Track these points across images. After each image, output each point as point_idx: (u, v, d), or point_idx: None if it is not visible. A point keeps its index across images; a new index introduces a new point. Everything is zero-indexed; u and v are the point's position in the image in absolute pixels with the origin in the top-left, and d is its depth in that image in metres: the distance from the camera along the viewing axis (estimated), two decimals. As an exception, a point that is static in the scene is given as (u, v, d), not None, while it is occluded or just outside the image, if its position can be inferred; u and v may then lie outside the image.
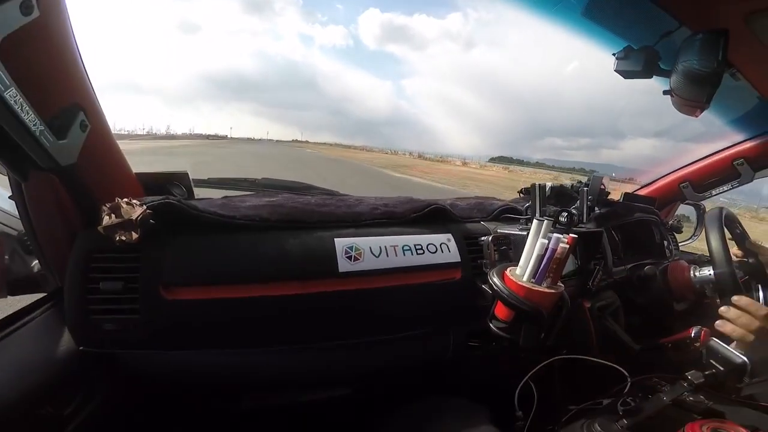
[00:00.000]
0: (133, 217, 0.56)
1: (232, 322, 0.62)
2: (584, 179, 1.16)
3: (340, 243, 0.69)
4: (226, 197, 0.83)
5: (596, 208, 1.10)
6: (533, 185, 0.81)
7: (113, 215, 0.56)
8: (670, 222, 1.33)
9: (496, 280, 0.64)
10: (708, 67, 0.67)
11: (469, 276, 0.76)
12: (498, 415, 0.74)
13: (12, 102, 0.40)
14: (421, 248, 0.74)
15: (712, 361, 0.59)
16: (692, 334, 0.76)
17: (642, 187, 1.49)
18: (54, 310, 0.62)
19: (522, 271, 0.63)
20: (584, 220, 0.94)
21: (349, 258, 0.68)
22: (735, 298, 0.69)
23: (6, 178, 0.57)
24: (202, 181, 0.96)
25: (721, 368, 0.57)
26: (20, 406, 0.50)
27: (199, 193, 0.86)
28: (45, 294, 0.65)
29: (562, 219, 0.88)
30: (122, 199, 0.58)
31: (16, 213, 0.61)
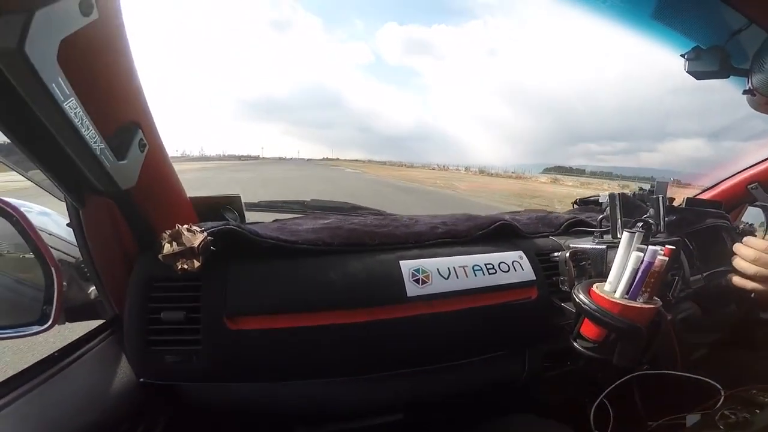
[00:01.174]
0: (195, 245, 0.54)
1: (298, 352, 0.59)
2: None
3: (406, 266, 0.66)
4: (276, 220, 0.82)
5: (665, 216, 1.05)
6: (611, 195, 0.78)
7: (174, 243, 0.54)
8: (741, 226, 1.25)
9: (583, 297, 0.60)
10: None
11: (546, 294, 0.72)
12: None
13: (72, 114, 0.36)
14: (493, 268, 0.70)
15: None
16: None
17: (704, 191, 1.41)
18: (112, 339, 0.61)
19: (612, 287, 0.59)
20: (662, 230, 0.90)
21: (417, 281, 0.65)
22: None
23: (63, 204, 0.55)
24: (253, 204, 0.95)
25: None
26: None
27: (250, 216, 0.86)
28: (103, 321, 0.64)
29: (640, 228, 0.85)
30: (182, 226, 0.56)
31: (74, 240, 0.59)
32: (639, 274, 0.56)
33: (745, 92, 0.74)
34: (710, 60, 0.73)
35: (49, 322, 0.53)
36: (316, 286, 0.61)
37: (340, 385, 0.67)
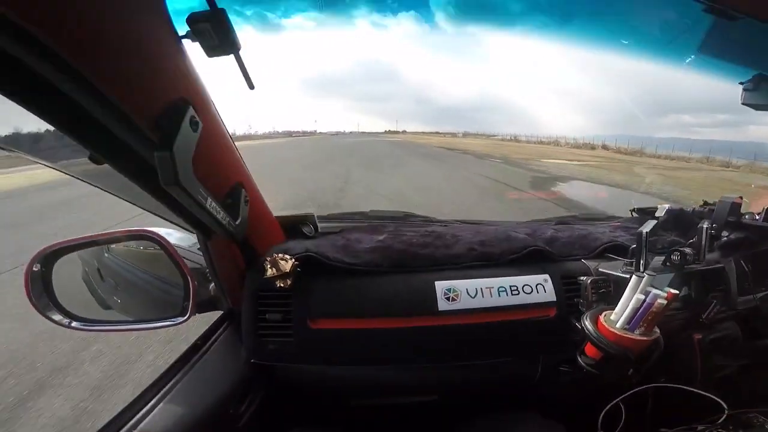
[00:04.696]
0: (287, 269, 0.78)
1: (355, 345, 0.81)
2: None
3: (440, 285, 0.82)
4: (342, 230, 1.01)
5: (725, 234, 1.02)
6: (639, 233, 0.82)
7: (274, 269, 0.78)
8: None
9: (588, 324, 0.71)
10: None
11: (564, 314, 0.82)
12: None
13: (210, 208, 0.56)
14: (517, 290, 0.82)
15: None
16: None
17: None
18: (230, 329, 0.86)
19: (617, 318, 0.70)
20: (702, 259, 0.90)
21: (448, 299, 0.81)
22: None
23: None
24: (322, 217, 1.15)
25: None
26: (216, 407, 0.72)
27: (322, 227, 1.05)
28: (222, 312, 0.88)
29: (674, 259, 0.86)
30: (278, 255, 0.80)
31: (199, 252, 0.80)
32: (639, 312, 0.66)
33: None
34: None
35: (188, 314, 0.79)
36: (370, 299, 0.81)
37: (388, 371, 0.89)
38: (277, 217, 0.95)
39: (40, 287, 0.76)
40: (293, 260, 0.80)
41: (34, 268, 0.76)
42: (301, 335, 0.79)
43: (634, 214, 1.23)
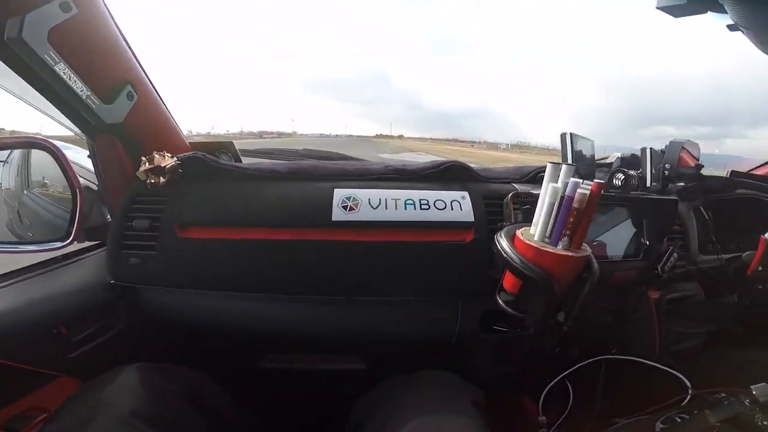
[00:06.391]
0: (162, 165, 0.66)
1: (233, 262, 0.66)
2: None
3: (339, 193, 0.67)
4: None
5: (681, 183, 0.88)
6: (563, 134, 0.67)
7: (147, 163, 0.66)
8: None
9: (502, 240, 0.53)
10: None
11: (484, 239, 0.65)
12: (515, 414, 0.64)
13: (61, 73, 0.54)
14: (427, 204, 0.67)
15: None
16: None
17: (758, 167, 1.16)
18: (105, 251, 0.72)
19: (535, 229, 0.52)
20: (648, 185, 0.76)
21: (345, 208, 0.66)
22: None
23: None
24: (249, 151, 1.02)
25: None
26: (38, 323, 0.60)
27: (246, 161, 0.90)
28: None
29: (616, 182, 0.73)
30: (158, 152, 0.68)
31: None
32: (560, 212, 0.48)
33: (729, 27, 0.58)
34: None
35: (70, 239, 0.66)
36: (254, 205, 0.67)
37: (279, 303, 0.71)
38: (191, 142, 0.82)
39: None
40: (175, 158, 0.67)
41: None
42: (165, 246, 0.65)
43: None
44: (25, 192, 0.82)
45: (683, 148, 0.92)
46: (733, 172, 1.07)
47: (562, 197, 0.47)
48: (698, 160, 0.93)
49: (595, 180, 0.47)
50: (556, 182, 0.49)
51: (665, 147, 0.89)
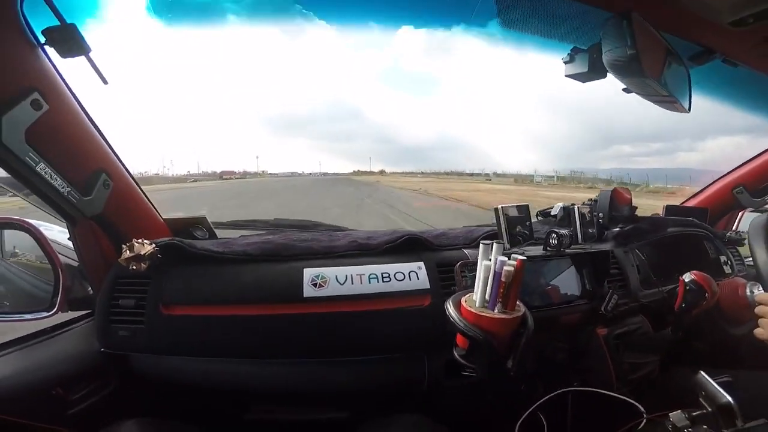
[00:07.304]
0: (142, 253, 0.74)
1: (213, 333, 0.75)
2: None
3: (309, 272, 0.77)
4: (242, 236, 0.97)
5: (618, 227, 0.99)
6: (495, 209, 0.78)
7: (128, 252, 0.74)
8: (728, 234, 1.14)
9: (450, 307, 0.62)
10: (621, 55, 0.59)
11: (440, 303, 0.74)
12: None
13: (43, 173, 0.60)
14: (388, 276, 0.77)
15: (700, 399, 0.49)
16: None
17: (691, 198, 1.31)
18: (93, 322, 0.80)
19: (477, 296, 0.61)
20: (580, 241, 0.87)
21: (315, 285, 0.75)
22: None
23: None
24: (221, 223, 1.10)
25: (709, 408, 0.47)
26: (38, 387, 0.67)
27: (222, 234, 1.01)
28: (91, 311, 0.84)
29: (552, 241, 0.82)
30: (137, 240, 0.76)
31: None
32: (493, 284, 0.57)
33: (624, 90, 0.70)
34: (583, 61, 0.69)
35: (54, 309, 0.75)
36: (231, 286, 0.76)
37: (259, 366, 0.79)
38: (166, 219, 0.91)
39: None
40: (153, 246, 0.75)
41: None
42: (152, 322, 0.74)
43: (539, 218, 1.21)
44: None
45: (615, 190, 1.05)
46: (668, 207, 1.20)
47: (495, 272, 0.57)
48: (630, 201, 1.06)
49: (518, 257, 0.57)
50: (488, 259, 0.58)
51: (597, 196, 1.01)
